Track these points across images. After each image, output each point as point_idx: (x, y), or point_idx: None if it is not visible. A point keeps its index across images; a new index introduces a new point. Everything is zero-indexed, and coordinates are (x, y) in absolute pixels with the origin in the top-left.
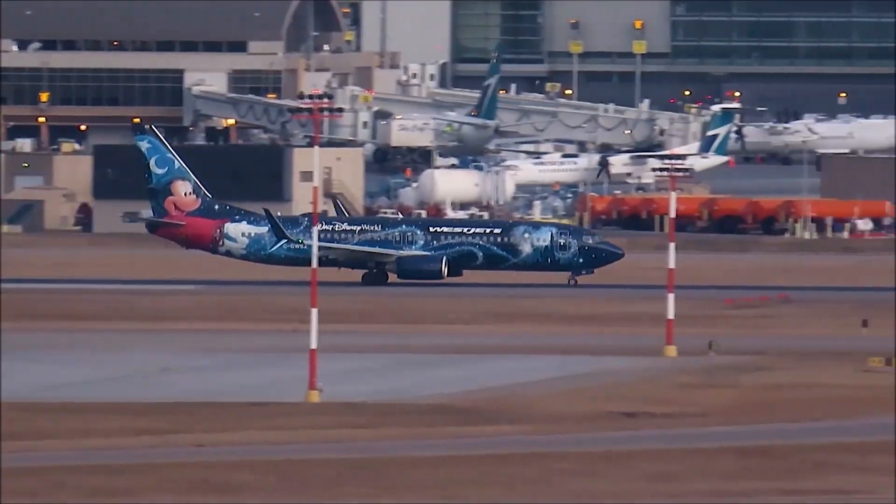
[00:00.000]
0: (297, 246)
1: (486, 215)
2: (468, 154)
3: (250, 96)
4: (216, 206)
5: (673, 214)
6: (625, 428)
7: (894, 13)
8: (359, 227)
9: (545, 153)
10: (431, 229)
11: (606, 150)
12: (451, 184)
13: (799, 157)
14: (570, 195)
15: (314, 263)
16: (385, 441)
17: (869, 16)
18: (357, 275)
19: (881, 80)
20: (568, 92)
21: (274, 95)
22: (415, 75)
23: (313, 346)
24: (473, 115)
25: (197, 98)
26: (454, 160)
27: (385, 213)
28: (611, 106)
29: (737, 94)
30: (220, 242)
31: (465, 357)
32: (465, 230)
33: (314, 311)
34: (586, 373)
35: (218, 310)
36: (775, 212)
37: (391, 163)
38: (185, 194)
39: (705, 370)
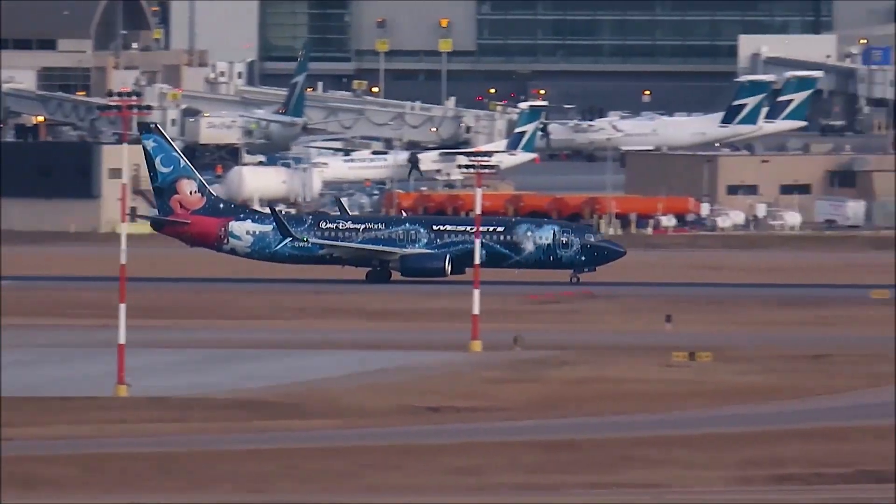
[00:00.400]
0: (301, 244)
1: (293, 212)
2: (276, 151)
3: (59, 94)
4: (221, 205)
5: (479, 211)
6: (430, 422)
7: (697, 12)
8: (363, 226)
9: (352, 150)
10: (435, 227)
11: (414, 147)
12: (258, 181)
13: (603, 154)
14: (376, 192)
15: (124, 260)
16: (191, 435)
17: (672, 14)
18: (360, 273)
19: (684, 77)
20: (375, 90)
21: (83, 93)
22: (223, 73)
23: (121, 341)
24: (281, 113)
25: (6, 95)
26: (262, 157)
27: None
28: (417, 104)
29: (542, 91)
30: (225, 240)
31: (273, 352)
32: (468, 228)
33: (122, 307)
34: (392, 368)
35: (33, 305)
36: (580, 208)
37: (200, 160)
38: (191, 193)
39: (510, 365)
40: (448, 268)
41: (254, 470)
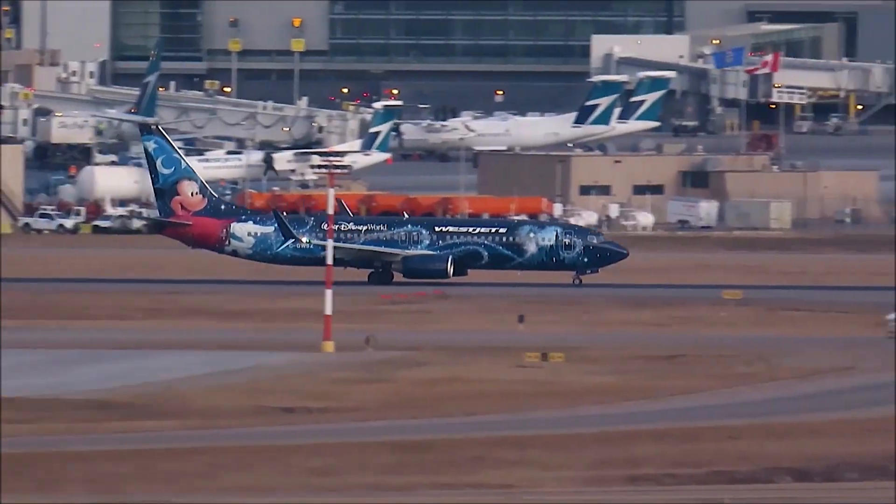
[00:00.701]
0: (303, 245)
1: (145, 211)
2: (127, 150)
3: None
4: (222, 206)
5: (331, 210)
6: (283, 423)
7: (550, 12)
8: (365, 227)
9: (205, 150)
10: (437, 229)
11: (266, 147)
12: (110, 180)
13: (456, 154)
14: (228, 192)
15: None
16: (43, 436)
17: (525, 14)
18: (361, 274)
19: (537, 78)
20: (227, 89)
21: None
22: (75, 73)
23: None
24: (133, 113)
25: None
26: (114, 157)
27: (45, 209)
28: (269, 103)
29: (395, 91)
30: (227, 242)
31: (124, 352)
32: (471, 230)
33: None
34: (244, 368)
35: None
36: (433, 208)
37: (52, 160)
38: (192, 194)
39: (363, 365)
40: (451, 269)
41: (107, 471)
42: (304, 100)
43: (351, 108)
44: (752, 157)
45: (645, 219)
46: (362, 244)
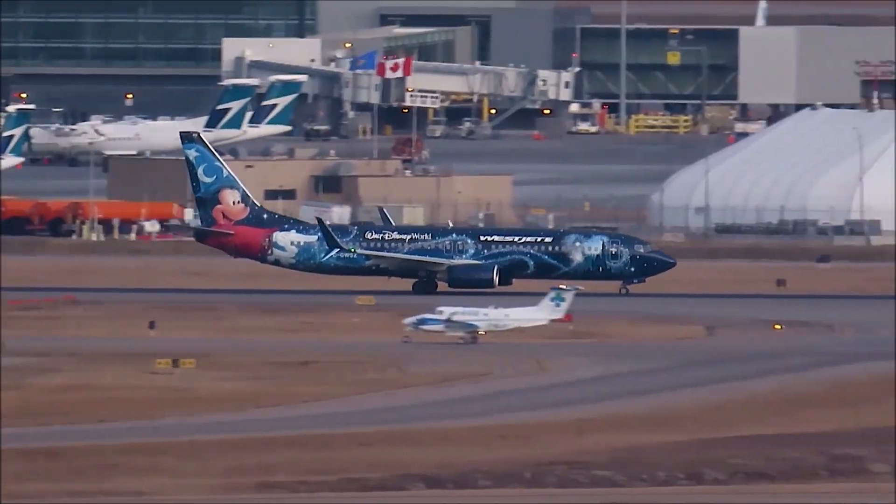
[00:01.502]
0: (348, 254)
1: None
2: None
3: None
4: (265, 215)
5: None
6: None
7: (180, 14)
8: (409, 236)
9: None
10: (482, 238)
11: None
12: None
13: (86, 158)
14: None
15: None
16: None
17: (155, 17)
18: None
19: (169, 81)
20: None
21: None
22: None
23: None
24: None
25: None
26: None
27: None
28: None
29: (24, 95)
30: (269, 251)
31: None
32: (516, 239)
33: None
34: None
35: None
36: (62, 213)
37: None
38: (234, 203)
39: None
40: (496, 278)
41: None
42: None
43: None
44: (385, 161)
45: None
46: (406, 253)
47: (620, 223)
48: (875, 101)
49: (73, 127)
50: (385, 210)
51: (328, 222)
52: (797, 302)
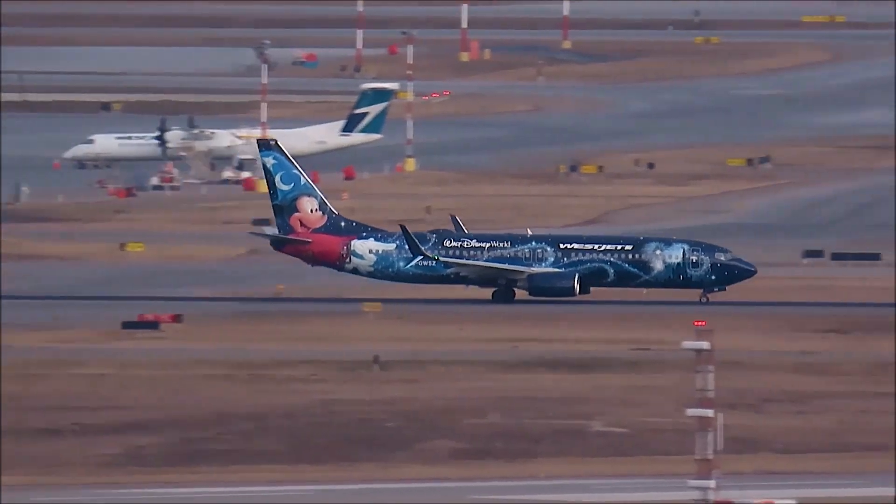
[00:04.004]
0: (430, 263)
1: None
2: None
3: None
4: (342, 223)
5: None
6: None
7: None
8: (487, 244)
9: None
10: (562, 246)
11: None
12: None
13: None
14: None
15: None
16: None
17: None
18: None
19: None
20: None
21: None
22: None
23: None
24: None
25: None
26: None
27: None
28: None
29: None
30: (347, 259)
31: None
32: (596, 247)
33: None
34: None
35: None
36: None
37: None
38: (311, 211)
39: None
40: (577, 287)
41: None
42: None
43: None
44: None
45: None
46: (486, 261)
47: None
48: None
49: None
50: (457, 217)
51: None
52: None
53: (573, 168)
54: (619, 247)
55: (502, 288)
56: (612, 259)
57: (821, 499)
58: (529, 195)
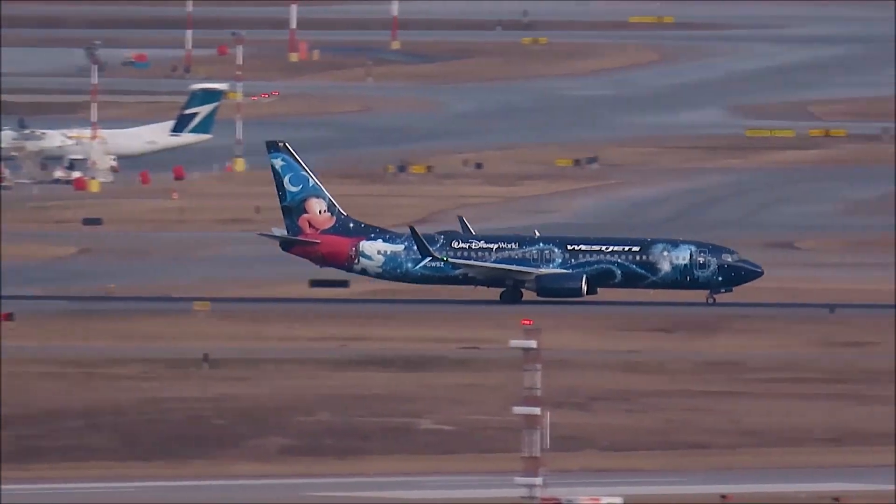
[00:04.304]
0: (438, 264)
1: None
2: None
3: None
4: (351, 224)
5: None
6: None
7: None
8: (495, 245)
9: None
10: (569, 247)
11: None
12: None
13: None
14: None
15: None
16: None
17: None
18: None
19: None
20: None
21: None
22: None
23: None
24: None
25: None
26: None
27: None
28: None
29: None
30: (356, 261)
31: None
32: (604, 248)
33: None
34: None
35: None
36: None
37: None
38: (320, 212)
39: None
40: (585, 287)
41: None
42: None
43: None
44: None
45: None
46: (494, 262)
47: None
48: None
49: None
50: (465, 218)
51: None
52: None
53: (402, 168)
54: (626, 248)
55: (510, 289)
56: (619, 260)
57: (647, 496)
58: (359, 195)
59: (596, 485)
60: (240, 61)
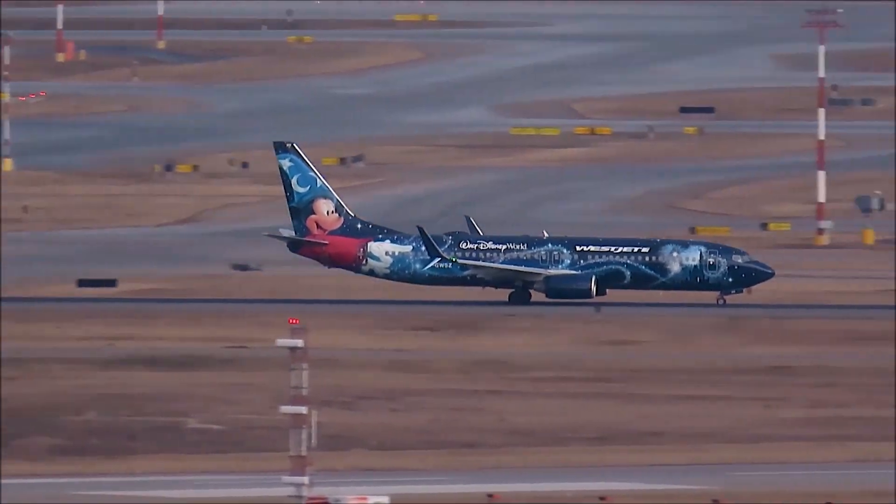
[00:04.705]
0: (447, 265)
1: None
2: None
3: None
4: (359, 225)
5: None
6: None
7: None
8: (504, 246)
9: None
10: (578, 248)
11: None
12: None
13: None
14: None
15: None
16: None
17: None
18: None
19: None
20: None
21: None
22: None
23: None
24: None
25: None
26: None
27: None
28: None
29: None
30: (364, 261)
31: None
32: (613, 249)
33: None
34: None
35: None
36: None
37: None
38: (328, 213)
39: None
40: (594, 288)
41: None
42: None
43: None
44: None
45: None
46: (503, 263)
47: None
48: None
49: None
50: (472, 219)
51: None
52: None
53: (168, 167)
54: (636, 249)
55: (519, 290)
56: (628, 261)
57: (414, 496)
58: (125, 194)
59: (364, 484)
60: (7, 61)
